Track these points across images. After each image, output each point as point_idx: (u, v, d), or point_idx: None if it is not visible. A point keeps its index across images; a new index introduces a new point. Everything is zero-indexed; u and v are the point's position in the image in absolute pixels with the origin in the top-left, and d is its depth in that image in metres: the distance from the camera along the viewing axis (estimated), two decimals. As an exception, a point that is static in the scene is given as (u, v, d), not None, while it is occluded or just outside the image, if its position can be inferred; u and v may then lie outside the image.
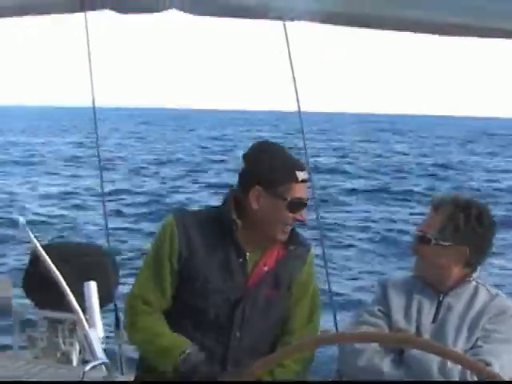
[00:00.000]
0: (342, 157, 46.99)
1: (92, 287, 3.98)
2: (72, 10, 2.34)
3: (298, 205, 3.21)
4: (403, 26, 2.47)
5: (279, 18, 2.28)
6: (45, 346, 4.60)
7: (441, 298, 3.25)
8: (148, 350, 3.27)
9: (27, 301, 4.67)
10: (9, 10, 2.32)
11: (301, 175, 3.20)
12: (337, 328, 3.47)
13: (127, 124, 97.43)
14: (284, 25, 2.32)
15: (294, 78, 2.58)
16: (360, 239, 17.14)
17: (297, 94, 2.56)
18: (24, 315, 4.70)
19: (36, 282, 4.45)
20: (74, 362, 4.52)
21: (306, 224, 3.30)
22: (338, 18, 2.29)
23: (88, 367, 3.52)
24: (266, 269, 3.31)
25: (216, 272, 3.21)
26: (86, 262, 4.43)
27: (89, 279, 4.03)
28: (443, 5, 2.24)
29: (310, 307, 3.40)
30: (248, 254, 3.28)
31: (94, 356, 3.80)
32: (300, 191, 3.21)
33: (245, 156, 3.31)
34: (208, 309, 3.23)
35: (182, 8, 2.13)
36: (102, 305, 3.95)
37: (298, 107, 2.72)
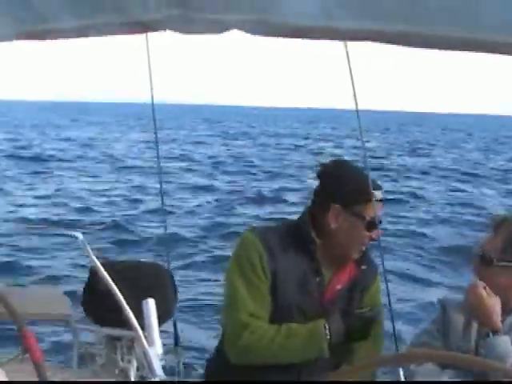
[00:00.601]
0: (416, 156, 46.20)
1: (150, 305, 4.00)
2: (133, 32, 2.36)
3: (374, 224, 3.22)
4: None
5: (340, 38, 2.26)
6: (103, 362, 4.63)
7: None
8: (291, 349, 3.21)
9: (86, 318, 4.69)
10: (69, 32, 2.35)
11: (378, 194, 3.22)
12: (397, 347, 3.44)
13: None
14: (345, 44, 2.32)
15: (352, 84, 2.57)
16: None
17: (355, 98, 2.54)
18: (82, 332, 4.73)
19: (95, 298, 4.48)
20: (132, 379, 4.53)
21: (377, 241, 3.32)
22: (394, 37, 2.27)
23: (151, 385, 3.54)
24: (339, 287, 3.33)
25: (294, 289, 3.23)
26: (145, 279, 4.44)
27: (147, 297, 4.05)
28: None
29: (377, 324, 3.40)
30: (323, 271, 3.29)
31: (152, 373, 3.81)
32: (377, 210, 3.23)
33: (321, 174, 3.31)
34: None
35: (244, 29, 2.13)
36: (160, 322, 3.98)
37: (357, 111, 2.70)
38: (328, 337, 3.15)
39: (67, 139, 54.55)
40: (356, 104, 2.78)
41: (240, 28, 2.11)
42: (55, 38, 2.37)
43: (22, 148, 44.31)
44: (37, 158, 37.66)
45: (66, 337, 5.13)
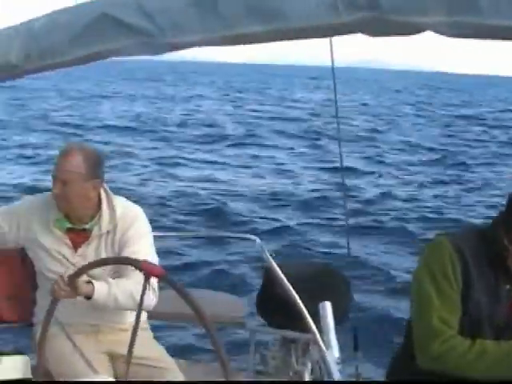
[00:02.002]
0: None
1: (327, 307, 4.00)
2: (324, 35, 2.37)
3: None
4: None
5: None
6: (277, 365, 4.66)
7: None
8: (481, 367, 3.14)
9: (261, 320, 4.74)
10: (257, 36, 2.39)
11: None
12: None
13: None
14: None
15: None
16: None
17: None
18: (257, 334, 4.76)
19: (270, 301, 4.53)
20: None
21: None
22: None
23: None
24: None
25: (485, 298, 3.14)
26: (320, 281, 4.44)
27: (323, 299, 4.06)
28: None
29: None
30: None
31: (329, 377, 3.81)
32: None
33: None
34: (480, 336, 3.15)
35: (439, 30, 2.10)
36: (335, 325, 3.98)
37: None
38: None
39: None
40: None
41: (435, 30, 2.07)
42: (245, 42, 2.42)
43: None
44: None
45: (242, 340, 5.18)
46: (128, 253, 3.64)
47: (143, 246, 3.72)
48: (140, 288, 2.92)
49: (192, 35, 2.48)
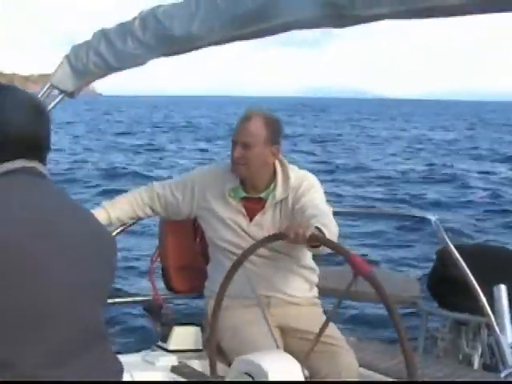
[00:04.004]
0: None
1: (503, 290, 3.91)
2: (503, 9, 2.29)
3: None
4: None
5: None
6: (446, 346, 4.59)
7: None
8: None
9: (432, 301, 4.67)
10: (448, 9, 2.32)
11: None
12: None
13: None
14: None
15: None
16: None
17: None
18: (428, 315, 4.71)
19: (443, 282, 4.46)
20: (475, 366, 4.45)
21: None
22: None
23: (504, 374, 3.46)
24: None
25: None
26: (496, 264, 4.34)
27: (498, 282, 3.96)
28: None
29: None
30: None
31: (503, 362, 3.72)
32: None
33: None
34: None
35: None
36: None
37: None
38: None
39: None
40: None
41: None
42: (432, 16, 2.37)
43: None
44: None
45: (412, 320, 5.11)
46: (302, 208, 3.56)
47: (320, 205, 3.58)
48: None
49: (380, 7, 2.44)
